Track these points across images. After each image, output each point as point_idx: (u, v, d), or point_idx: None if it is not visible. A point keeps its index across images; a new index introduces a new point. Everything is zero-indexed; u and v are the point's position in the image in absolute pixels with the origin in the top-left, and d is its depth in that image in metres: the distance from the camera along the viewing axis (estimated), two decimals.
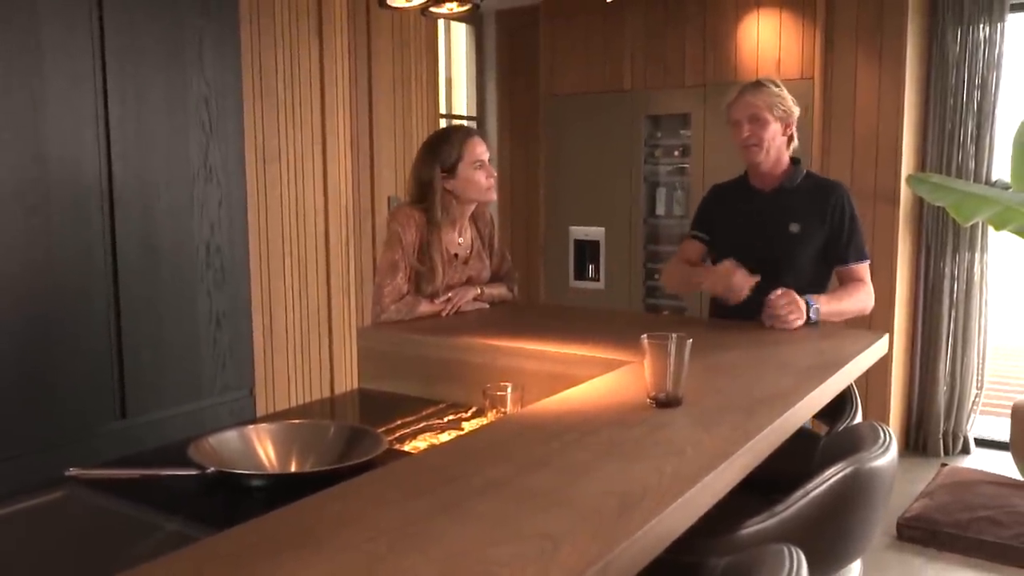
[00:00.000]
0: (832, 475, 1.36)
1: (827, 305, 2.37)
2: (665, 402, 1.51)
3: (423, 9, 2.57)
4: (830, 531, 1.38)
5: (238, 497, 1.54)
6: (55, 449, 2.52)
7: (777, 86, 2.57)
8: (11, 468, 2.37)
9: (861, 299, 2.51)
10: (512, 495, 1.13)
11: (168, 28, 2.79)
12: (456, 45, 5.56)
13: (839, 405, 2.04)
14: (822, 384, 1.68)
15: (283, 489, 1.55)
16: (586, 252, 5.29)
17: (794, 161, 2.62)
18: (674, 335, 1.51)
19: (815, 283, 2.54)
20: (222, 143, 2.98)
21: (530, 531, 1.02)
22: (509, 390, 1.79)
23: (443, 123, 5.15)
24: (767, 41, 4.63)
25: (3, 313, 2.38)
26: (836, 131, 4.52)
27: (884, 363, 4.24)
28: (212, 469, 1.52)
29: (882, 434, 1.50)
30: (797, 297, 2.27)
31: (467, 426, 1.95)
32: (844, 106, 4.49)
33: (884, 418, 4.44)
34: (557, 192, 5.39)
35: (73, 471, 1.44)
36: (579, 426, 1.42)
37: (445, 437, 1.86)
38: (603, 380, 1.75)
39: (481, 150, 2.52)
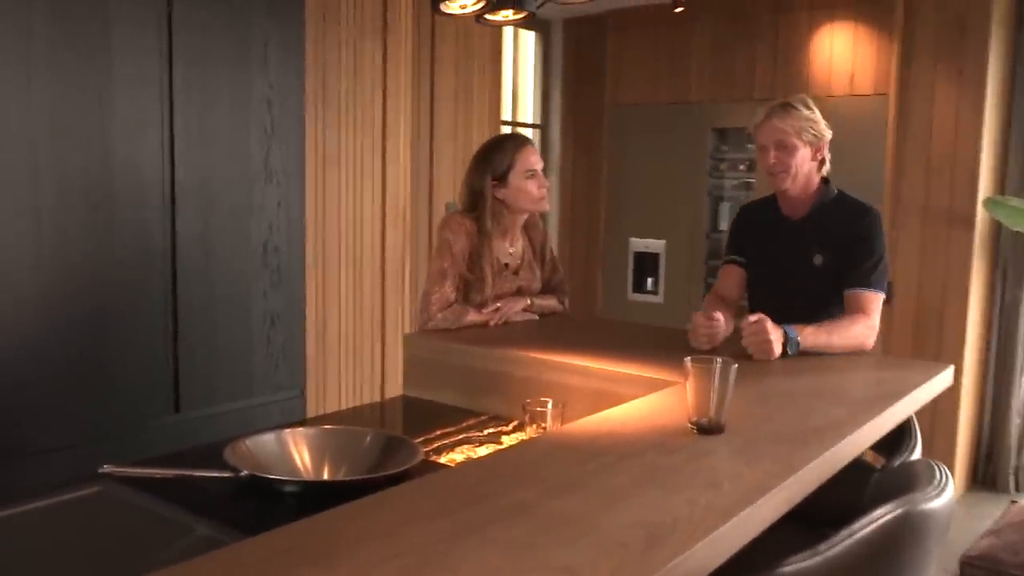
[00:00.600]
0: (882, 515, 1.28)
1: (813, 338, 2.15)
2: (707, 428, 1.45)
3: (478, 16, 2.55)
4: (877, 575, 1.30)
5: (270, 502, 1.54)
6: (109, 440, 2.57)
7: (808, 108, 2.40)
8: (66, 456, 2.43)
9: (856, 334, 2.24)
10: (539, 521, 1.09)
11: (235, 29, 2.82)
12: (524, 53, 5.55)
13: (897, 437, 1.95)
14: (877, 417, 1.60)
15: (315, 496, 1.54)
16: (645, 265, 5.22)
17: (824, 181, 2.47)
18: (719, 359, 1.45)
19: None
20: (283, 145, 3.01)
21: (552, 562, 0.98)
22: (549, 406, 1.76)
23: (507, 130, 5.13)
24: (840, 55, 4.51)
25: (64, 306, 2.44)
26: (910, 150, 4.36)
27: (952, 393, 4.07)
28: (245, 473, 1.51)
29: (939, 474, 1.41)
30: (769, 327, 2.08)
31: (506, 440, 1.92)
32: (920, 124, 4.33)
33: (951, 451, 4.26)
34: (618, 203, 5.33)
35: (107, 468, 1.45)
36: (616, 449, 1.37)
37: (483, 451, 1.83)
38: (646, 401, 1.70)
39: (534, 159, 2.49)
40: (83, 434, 2.50)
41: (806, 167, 2.40)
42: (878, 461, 2.02)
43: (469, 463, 1.64)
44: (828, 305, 2.35)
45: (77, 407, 2.50)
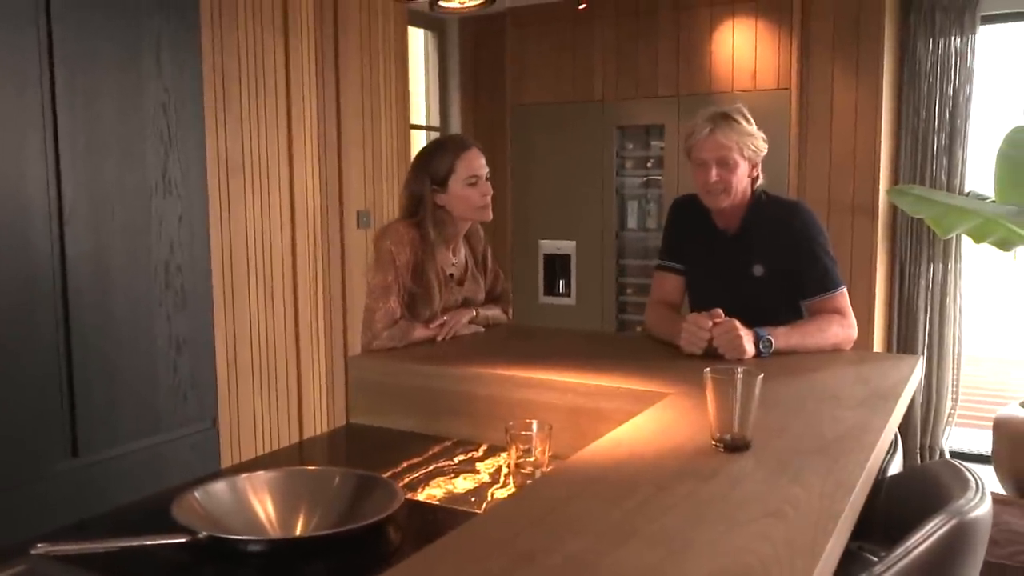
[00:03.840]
0: (935, 529, 1.18)
1: (785, 338, 2.08)
2: (732, 445, 1.33)
3: (432, 3, 2.37)
4: None
5: (232, 566, 1.31)
6: (1, 494, 2.25)
7: (748, 120, 2.27)
8: None
9: (834, 333, 2.17)
10: None
11: (123, 28, 2.55)
12: (414, 52, 5.34)
13: None
14: (890, 419, 1.52)
15: (286, 555, 1.33)
16: (556, 267, 5.12)
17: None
18: (741, 369, 1.33)
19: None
20: (182, 154, 2.75)
21: None
22: (535, 428, 1.59)
23: (415, 135, 4.93)
24: (742, 50, 4.53)
25: None
26: (813, 142, 4.43)
27: None
28: (204, 534, 1.28)
29: (972, 478, 1.34)
30: (737, 329, 2.01)
31: (481, 467, 1.74)
32: (821, 116, 4.41)
33: None
34: (525, 205, 5.21)
35: (41, 547, 1.19)
36: (645, 478, 1.22)
37: (462, 482, 1.65)
38: (647, 418, 1.56)
39: (477, 164, 2.31)
40: None
41: (743, 183, 2.28)
42: None
43: (491, 510, 1.42)
44: (771, 313, 2.21)
45: None
